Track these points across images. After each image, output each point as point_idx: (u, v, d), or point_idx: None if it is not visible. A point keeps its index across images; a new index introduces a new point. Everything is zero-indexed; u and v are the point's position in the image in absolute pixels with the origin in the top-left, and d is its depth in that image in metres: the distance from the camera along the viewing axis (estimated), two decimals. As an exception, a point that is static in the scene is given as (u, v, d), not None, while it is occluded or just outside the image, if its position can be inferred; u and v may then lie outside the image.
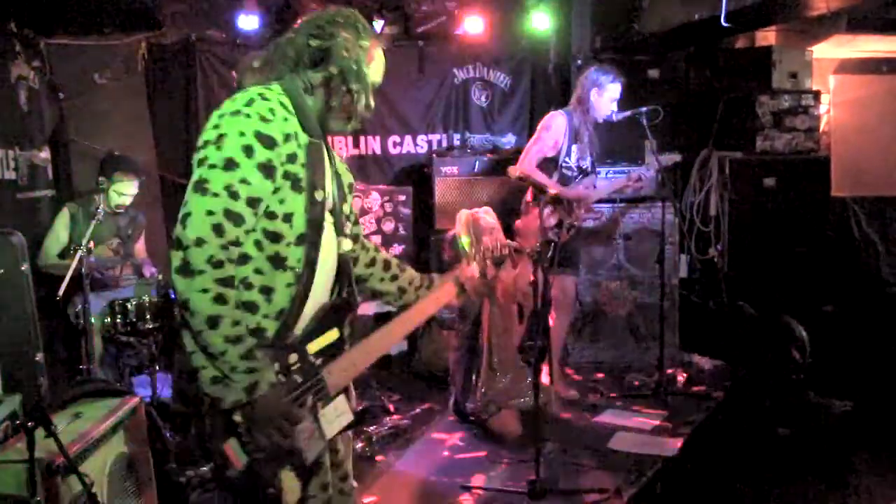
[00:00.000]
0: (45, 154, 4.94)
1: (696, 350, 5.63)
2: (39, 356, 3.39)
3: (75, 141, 5.21)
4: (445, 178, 5.79)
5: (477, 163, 5.83)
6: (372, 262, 2.39)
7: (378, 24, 5.61)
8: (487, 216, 4.48)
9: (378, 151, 6.22)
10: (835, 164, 5.76)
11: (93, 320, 4.14)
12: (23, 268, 3.38)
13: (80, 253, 3.94)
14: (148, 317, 4.36)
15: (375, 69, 2.11)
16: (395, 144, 6.26)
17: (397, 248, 5.58)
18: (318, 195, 1.97)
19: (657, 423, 4.51)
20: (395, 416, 4.66)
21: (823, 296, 5.51)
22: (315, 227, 1.97)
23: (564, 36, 6.16)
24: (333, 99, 2.03)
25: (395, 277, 2.40)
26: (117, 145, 5.01)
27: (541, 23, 5.96)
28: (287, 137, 1.89)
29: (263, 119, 1.86)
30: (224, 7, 5.57)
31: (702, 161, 5.92)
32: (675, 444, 4.14)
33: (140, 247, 4.86)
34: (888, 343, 4.92)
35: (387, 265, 2.41)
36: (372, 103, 2.11)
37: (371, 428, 4.41)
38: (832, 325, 5.22)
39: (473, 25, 5.87)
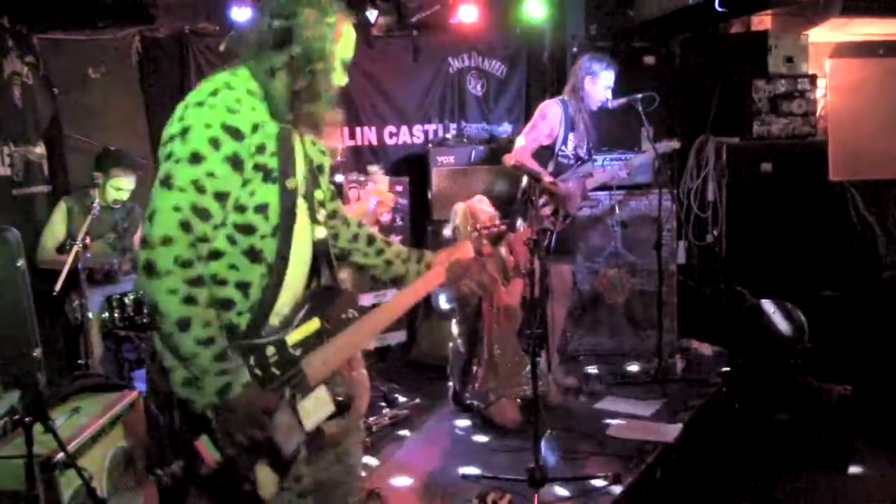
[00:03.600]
0: (39, 149, 4.93)
1: (694, 336, 5.64)
2: (37, 352, 3.39)
3: (70, 136, 5.19)
4: (442, 168, 5.78)
5: (473, 152, 5.82)
6: (355, 238, 2.34)
7: (372, 14, 5.59)
8: (482, 205, 4.49)
9: (374, 142, 6.21)
10: (832, 148, 5.74)
11: (91, 315, 4.14)
12: (19, 264, 3.37)
13: (76, 248, 3.94)
14: (145, 311, 4.36)
15: (344, 45, 2.03)
16: (391, 135, 6.25)
17: (395, 239, 5.56)
18: (290, 183, 1.92)
19: (656, 409, 4.52)
20: (394, 407, 4.67)
21: (821, 280, 5.51)
22: (287, 216, 1.92)
23: (559, 23, 6.14)
24: (299, 80, 1.96)
25: (380, 251, 2.35)
26: (112, 139, 4.99)
27: (535, 10, 5.94)
28: (255, 128, 1.84)
29: (230, 110, 1.81)
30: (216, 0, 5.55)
31: (699, 147, 5.91)
32: (674, 431, 4.15)
33: (139, 239, 4.86)
34: (887, 327, 4.92)
35: (371, 239, 2.36)
36: (342, 80, 2.04)
37: (370, 418, 4.42)
38: (830, 309, 5.22)
39: (468, 14, 5.84)
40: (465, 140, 6.02)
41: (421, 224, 5.90)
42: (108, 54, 5.36)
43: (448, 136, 6.17)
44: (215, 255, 1.85)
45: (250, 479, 1.87)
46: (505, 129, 6.24)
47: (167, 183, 1.75)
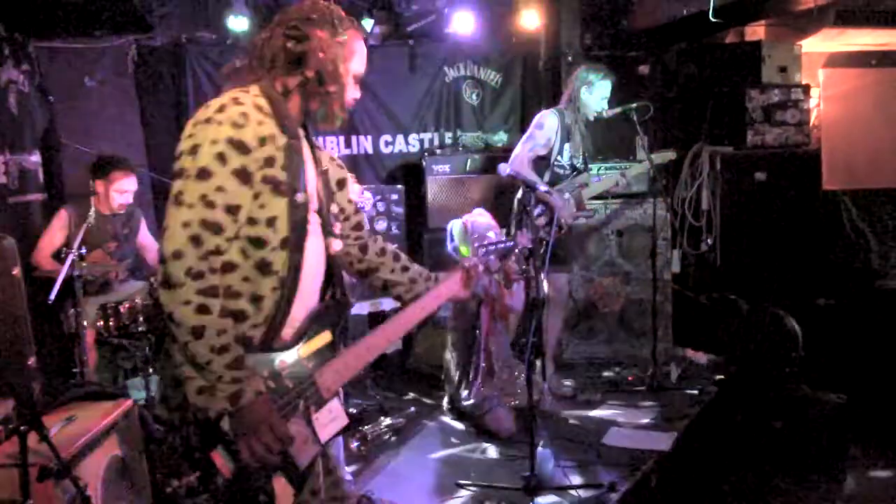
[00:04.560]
0: (35, 158, 4.93)
1: (689, 344, 5.64)
2: (32, 360, 3.37)
3: (66, 144, 5.19)
4: (437, 177, 5.79)
5: (468, 161, 5.84)
6: (382, 252, 2.36)
7: (368, 24, 5.61)
8: (481, 218, 4.49)
9: (370, 150, 6.23)
10: (825, 158, 5.77)
11: (85, 323, 4.13)
12: (14, 272, 3.36)
13: (71, 257, 3.93)
14: (140, 319, 4.35)
15: (357, 62, 2.06)
16: (386, 143, 6.27)
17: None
18: (300, 198, 1.93)
19: (651, 417, 4.53)
20: (390, 416, 4.66)
21: (815, 289, 5.53)
22: (298, 229, 1.93)
23: (554, 33, 6.17)
24: (312, 102, 2.00)
25: (405, 269, 2.38)
26: (108, 148, 5.00)
27: (531, 20, 5.97)
28: (262, 141, 1.86)
29: (235, 125, 1.83)
30: (214, 8, 5.56)
31: (693, 156, 5.93)
32: (669, 439, 4.16)
33: (143, 239, 4.84)
34: (881, 335, 4.94)
35: (396, 256, 2.39)
36: (355, 95, 2.07)
37: (366, 427, 4.41)
38: (824, 317, 5.23)
39: (463, 24, 5.87)
40: (460, 149, 6.04)
41: (417, 232, 5.91)
42: (104, 62, 5.38)
43: (444, 144, 6.19)
44: (230, 267, 1.87)
45: (266, 491, 1.87)
46: (500, 137, 6.26)
47: (178, 200, 1.79)
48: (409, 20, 5.89)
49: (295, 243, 1.93)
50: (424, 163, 5.82)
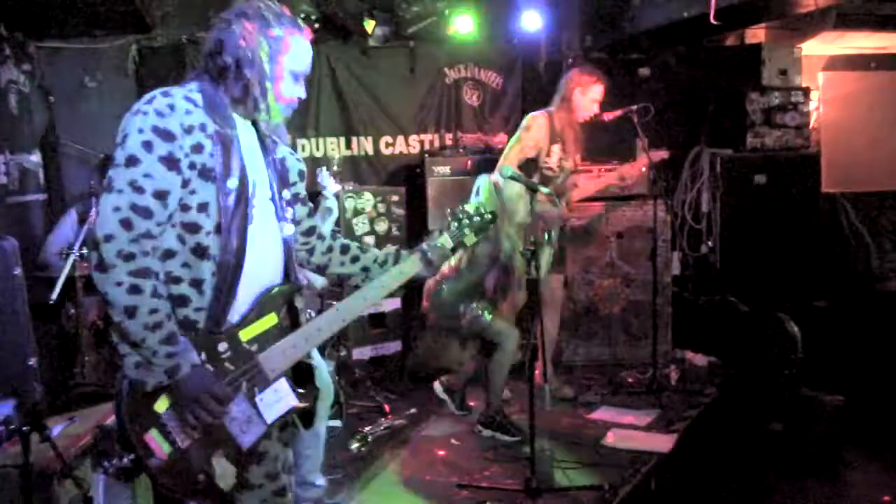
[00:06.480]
0: (35, 158, 4.92)
1: (689, 347, 5.65)
2: (33, 361, 3.37)
3: (66, 144, 5.19)
4: (438, 178, 5.79)
5: (469, 162, 5.84)
6: (329, 250, 2.41)
7: (369, 25, 5.61)
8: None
9: (370, 152, 6.22)
10: (825, 161, 5.79)
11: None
12: (15, 272, 3.36)
13: (72, 257, 3.93)
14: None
15: (294, 57, 2.07)
16: (387, 145, 6.26)
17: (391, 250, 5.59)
18: (231, 183, 1.97)
19: (651, 419, 4.53)
20: (390, 416, 4.67)
21: (814, 291, 5.54)
22: (234, 215, 1.97)
23: (555, 35, 6.18)
24: (233, 89, 2.04)
25: (355, 259, 2.41)
26: (108, 148, 4.96)
27: (531, 22, 5.97)
28: (189, 129, 1.92)
29: (160, 114, 1.90)
30: (214, 8, 5.55)
31: (693, 158, 5.94)
32: (668, 441, 4.17)
33: None
34: (879, 337, 4.95)
35: (344, 248, 2.42)
36: (294, 92, 2.10)
37: (367, 428, 4.43)
38: (824, 320, 5.25)
39: (464, 25, 5.87)
40: (461, 150, 6.04)
41: (417, 234, 5.89)
42: (104, 63, 5.37)
43: (444, 146, 6.19)
44: (169, 254, 1.94)
45: (206, 471, 1.94)
46: (501, 139, 6.25)
47: (108, 187, 1.87)
48: (409, 22, 5.89)
49: (230, 228, 1.97)
50: (425, 164, 5.82)
